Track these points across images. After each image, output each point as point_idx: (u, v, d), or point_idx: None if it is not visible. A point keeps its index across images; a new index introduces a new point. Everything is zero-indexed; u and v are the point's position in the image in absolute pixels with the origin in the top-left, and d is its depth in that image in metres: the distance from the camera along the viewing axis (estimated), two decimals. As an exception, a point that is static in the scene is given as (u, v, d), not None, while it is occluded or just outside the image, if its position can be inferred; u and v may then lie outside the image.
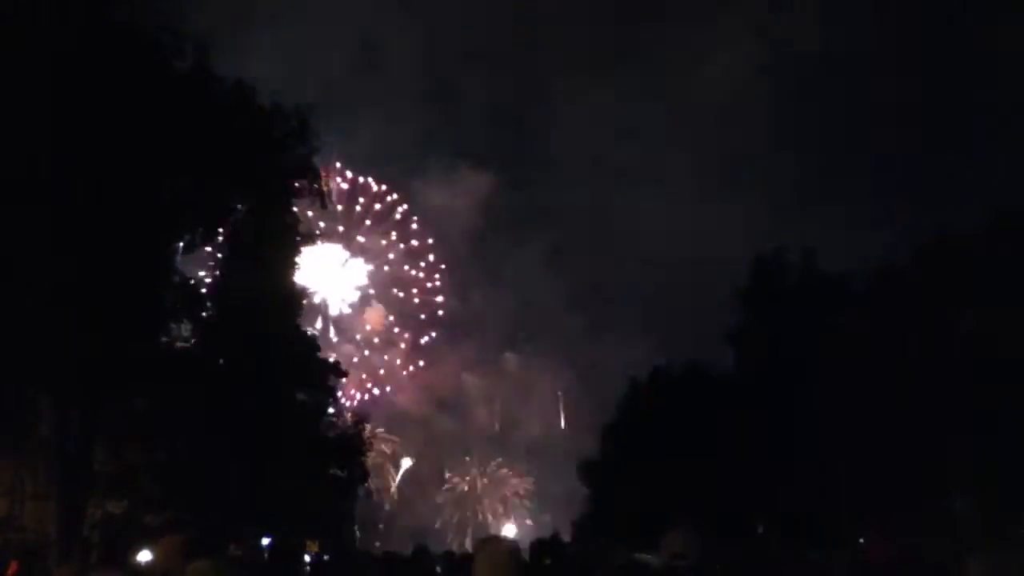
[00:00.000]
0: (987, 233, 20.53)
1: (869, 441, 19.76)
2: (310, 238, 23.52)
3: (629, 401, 36.73)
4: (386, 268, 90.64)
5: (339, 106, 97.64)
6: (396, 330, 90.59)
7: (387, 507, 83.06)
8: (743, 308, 28.12)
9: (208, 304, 19.72)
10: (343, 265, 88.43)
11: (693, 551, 4.68)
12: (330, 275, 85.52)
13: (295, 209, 22.31)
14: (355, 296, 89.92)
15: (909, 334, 19.87)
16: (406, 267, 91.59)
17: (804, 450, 22.41)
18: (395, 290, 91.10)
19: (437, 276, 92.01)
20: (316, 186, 19.76)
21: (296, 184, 19.31)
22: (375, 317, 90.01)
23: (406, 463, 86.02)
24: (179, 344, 19.07)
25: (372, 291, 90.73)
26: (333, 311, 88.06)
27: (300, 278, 24.43)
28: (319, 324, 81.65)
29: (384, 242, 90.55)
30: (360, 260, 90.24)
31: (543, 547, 6.51)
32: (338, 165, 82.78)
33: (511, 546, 3.67)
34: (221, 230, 18.83)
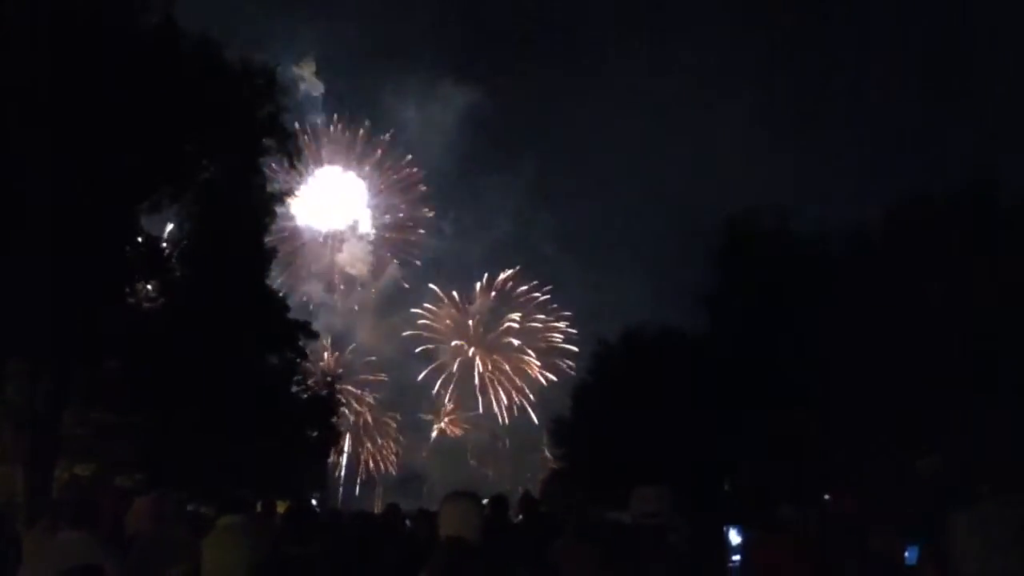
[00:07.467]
0: (961, 196, 20.62)
1: (843, 402, 19.98)
2: (280, 197, 23.22)
3: (600, 363, 36.90)
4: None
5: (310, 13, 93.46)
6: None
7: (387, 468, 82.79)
8: (717, 269, 28.12)
9: (175, 264, 19.46)
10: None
11: (663, 507, 4.70)
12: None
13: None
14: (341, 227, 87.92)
15: (881, 295, 20.01)
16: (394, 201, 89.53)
17: (778, 408, 22.64)
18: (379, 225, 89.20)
19: (422, 209, 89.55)
20: (285, 144, 19.55)
21: (265, 142, 19.07)
22: (357, 253, 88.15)
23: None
24: (146, 304, 18.83)
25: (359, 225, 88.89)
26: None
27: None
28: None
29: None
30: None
31: (502, 504, 6.61)
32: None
33: (473, 501, 3.70)
34: (188, 189, 18.52)
